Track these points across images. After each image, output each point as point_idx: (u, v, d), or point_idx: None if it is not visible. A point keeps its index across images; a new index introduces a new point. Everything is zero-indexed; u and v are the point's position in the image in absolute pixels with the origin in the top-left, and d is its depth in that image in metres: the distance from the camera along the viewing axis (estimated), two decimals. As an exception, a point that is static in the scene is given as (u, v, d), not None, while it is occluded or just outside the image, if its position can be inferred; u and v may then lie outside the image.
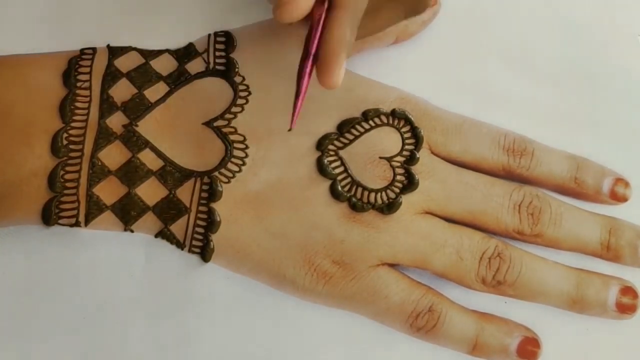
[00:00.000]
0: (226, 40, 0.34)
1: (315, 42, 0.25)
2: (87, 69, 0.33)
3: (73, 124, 0.32)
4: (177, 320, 0.32)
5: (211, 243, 0.32)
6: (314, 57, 0.25)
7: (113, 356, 0.32)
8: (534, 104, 0.36)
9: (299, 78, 0.26)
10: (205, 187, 0.32)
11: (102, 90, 0.33)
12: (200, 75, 0.33)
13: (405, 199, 0.32)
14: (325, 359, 0.33)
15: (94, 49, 0.34)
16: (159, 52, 0.34)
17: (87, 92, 0.33)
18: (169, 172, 0.32)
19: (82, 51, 0.33)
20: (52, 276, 0.33)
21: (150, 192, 0.32)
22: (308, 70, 0.26)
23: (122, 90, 0.33)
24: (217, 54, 0.34)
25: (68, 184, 0.32)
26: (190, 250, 0.32)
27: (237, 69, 0.33)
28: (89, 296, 0.33)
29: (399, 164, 0.33)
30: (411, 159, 0.33)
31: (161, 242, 0.33)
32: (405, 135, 0.33)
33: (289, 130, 0.27)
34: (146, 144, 0.32)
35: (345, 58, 0.25)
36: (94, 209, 0.32)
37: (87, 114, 0.32)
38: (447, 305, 0.32)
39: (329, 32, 0.25)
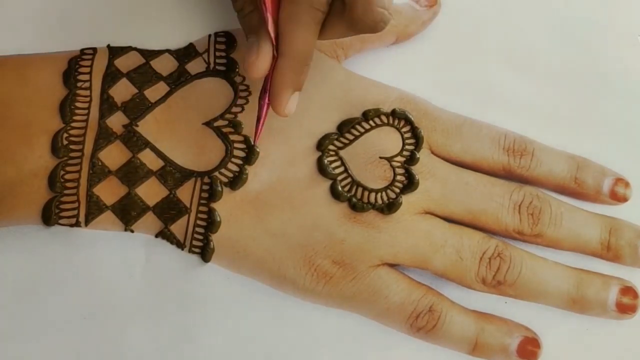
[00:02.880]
0: (226, 40, 0.34)
1: (269, 81, 0.30)
2: (87, 69, 0.33)
3: (73, 124, 0.32)
4: (177, 320, 0.32)
5: (211, 243, 0.32)
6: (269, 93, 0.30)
7: (113, 356, 0.32)
8: (534, 104, 0.36)
9: (259, 107, 0.31)
10: (205, 187, 0.32)
11: (102, 90, 0.33)
12: (200, 76, 0.33)
13: (406, 199, 0.32)
14: (325, 359, 0.33)
15: (94, 49, 0.34)
16: (159, 52, 0.34)
17: (87, 92, 0.32)
18: (169, 172, 0.32)
19: (82, 51, 0.33)
20: (52, 276, 0.33)
21: (150, 192, 0.32)
22: (265, 102, 0.31)
23: (122, 90, 0.33)
24: (218, 54, 0.34)
25: (68, 184, 0.32)
26: (190, 251, 0.32)
27: (237, 69, 0.33)
28: (88, 296, 0.33)
29: (399, 164, 0.33)
30: (411, 159, 0.33)
31: (161, 242, 0.33)
32: (406, 136, 0.33)
33: (253, 145, 0.32)
34: (146, 144, 0.32)
35: (292, 93, 0.30)
36: (94, 209, 0.32)
37: (87, 114, 0.32)
38: (447, 306, 0.32)
39: (273, 76, 0.30)
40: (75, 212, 0.32)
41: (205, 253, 0.32)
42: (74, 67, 0.33)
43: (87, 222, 0.32)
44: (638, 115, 0.36)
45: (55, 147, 0.31)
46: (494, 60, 0.36)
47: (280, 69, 0.29)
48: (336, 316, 0.33)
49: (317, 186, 0.32)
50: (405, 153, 0.33)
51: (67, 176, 0.32)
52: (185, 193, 0.32)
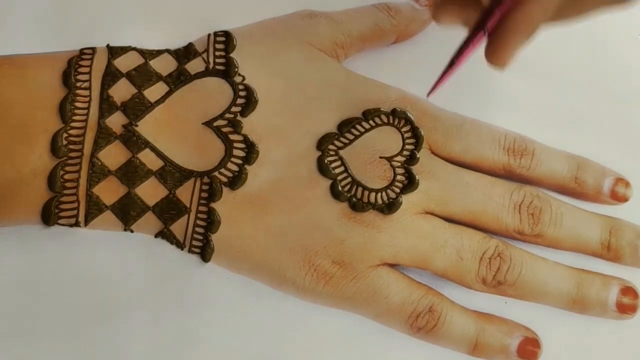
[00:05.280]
0: (226, 40, 0.34)
1: (496, 17, 0.24)
2: (87, 69, 0.33)
3: (73, 124, 0.32)
4: (177, 320, 0.32)
5: (211, 243, 0.32)
6: (489, 32, 0.25)
7: (113, 356, 0.32)
8: (535, 104, 0.36)
9: (462, 48, 0.26)
10: (205, 187, 0.32)
11: (102, 90, 0.33)
12: (200, 75, 0.33)
13: (406, 198, 0.32)
14: (325, 359, 0.33)
15: (93, 49, 0.33)
16: (158, 52, 0.34)
17: (86, 92, 0.32)
18: (169, 172, 0.32)
19: (82, 51, 0.33)
20: (52, 276, 0.33)
21: (150, 192, 0.32)
22: (475, 41, 0.25)
23: (121, 90, 0.33)
24: (217, 53, 0.34)
25: (68, 184, 0.31)
26: (190, 251, 0.32)
27: (236, 69, 0.33)
28: (89, 296, 0.33)
29: (399, 164, 0.33)
30: (411, 159, 0.33)
31: (161, 242, 0.33)
32: (406, 135, 0.33)
33: (427, 96, 0.29)
34: (146, 143, 0.32)
35: (525, 41, 0.25)
36: (94, 209, 0.32)
37: (87, 114, 0.32)
38: (448, 306, 0.32)
39: (519, 10, 0.24)
40: (74, 212, 0.32)
41: (205, 253, 0.32)
42: (73, 67, 0.33)
43: (86, 222, 0.32)
44: (638, 115, 0.36)
45: (55, 147, 0.31)
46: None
47: (528, 5, 0.24)
48: (336, 316, 0.33)
49: (317, 186, 0.32)
50: (405, 153, 0.33)
51: (67, 176, 0.31)
52: (185, 193, 0.32)
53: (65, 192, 0.31)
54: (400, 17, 0.35)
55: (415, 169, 0.33)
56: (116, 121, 0.32)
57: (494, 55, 0.25)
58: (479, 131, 0.34)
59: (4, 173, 0.31)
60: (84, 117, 0.32)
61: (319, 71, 0.34)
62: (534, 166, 0.34)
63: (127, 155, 0.32)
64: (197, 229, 0.32)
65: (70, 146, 0.32)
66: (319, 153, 0.33)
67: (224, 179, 0.32)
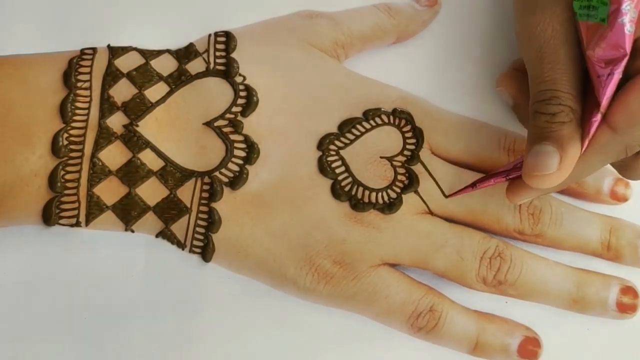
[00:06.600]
0: (226, 40, 0.34)
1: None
2: (88, 69, 0.33)
3: (73, 124, 0.32)
4: (177, 320, 0.33)
5: (212, 243, 0.32)
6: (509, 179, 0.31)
7: (113, 356, 0.32)
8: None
9: (485, 180, 0.31)
10: (205, 187, 0.32)
11: (103, 90, 0.32)
12: (200, 75, 0.33)
13: (406, 198, 0.32)
14: (325, 359, 0.33)
15: (94, 49, 0.33)
16: (159, 52, 0.34)
17: (87, 92, 0.32)
18: (170, 172, 0.32)
19: (83, 51, 0.33)
20: (52, 276, 0.33)
21: (150, 192, 0.32)
22: (498, 180, 0.31)
23: (122, 90, 0.33)
24: (218, 54, 0.34)
25: (68, 184, 0.31)
26: (190, 251, 0.32)
27: (237, 69, 0.33)
28: (89, 296, 0.33)
29: (399, 164, 0.33)
30: (412, 159, 0.33)
31: (162, 242, 0.33)
32: (406, 135, 0.33)
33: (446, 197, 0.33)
34: (147, 144, 0.32)
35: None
36: (95, 209, 0.32)
37: (88, 114, 0.32)
38: (448, 305, 0.32)
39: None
40: (75, 212, 0.32)
41: (205, 253, 0.32)
42: (74, 67, 0.32)
43: (87, 222, 0.32)
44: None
45: (56, 147, 0.31)
46: (495, 59, 0.36)
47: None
48: (337, 316, 0.33)
49: (318, 186, 0.32)
50: (406, 153, 0.33)
51: (68, 176, 0.31)
52: (186, 193, 0.32)
53: (66, 192, 0.31)
54: (401, 17, 0.35)
55: (415, 169, 0.33)
56: (117, 121, 0.32)
57: (510, 194, 0.30)
58: (478, 131, 0.34)
59: (4, 173, 0.31)
60: (84, 117, 0.32)
61: (319, 71, 0.34)
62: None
63: (127, 156, 0.32)
64: (197, 229, 0.32)
65: (71, 146, 0.32)
66: (320, 153, 0.33)
67: (225, 179, 0.32)
